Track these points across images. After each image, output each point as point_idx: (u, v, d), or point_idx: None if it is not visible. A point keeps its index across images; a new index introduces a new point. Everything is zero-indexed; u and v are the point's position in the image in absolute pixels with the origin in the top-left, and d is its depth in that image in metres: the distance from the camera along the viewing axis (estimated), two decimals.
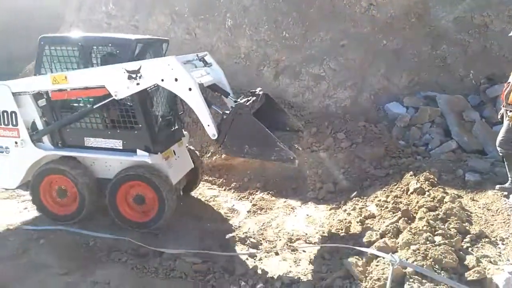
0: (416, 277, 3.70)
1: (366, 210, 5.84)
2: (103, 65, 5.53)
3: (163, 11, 11.16)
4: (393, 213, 5.28)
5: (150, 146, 5.56)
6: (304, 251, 5.38)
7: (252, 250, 5.39)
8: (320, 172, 7.26)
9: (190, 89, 4.85)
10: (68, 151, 5.76)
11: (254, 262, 5.14)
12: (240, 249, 5.44)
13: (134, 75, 5.06)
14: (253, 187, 7.36)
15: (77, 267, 4.77)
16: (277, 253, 5.35)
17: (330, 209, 6.43)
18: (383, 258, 4.26)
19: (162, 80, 4.97)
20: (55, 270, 4.70)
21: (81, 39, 5.61)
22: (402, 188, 5.96)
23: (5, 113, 5.69)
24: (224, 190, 7.47)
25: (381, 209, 5.61)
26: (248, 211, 6.60)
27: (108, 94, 5.26)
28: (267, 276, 4.73)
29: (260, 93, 5.82)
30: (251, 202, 6.94)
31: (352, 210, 6.02)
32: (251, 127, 4.84)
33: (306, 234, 5.79)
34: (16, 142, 5.74)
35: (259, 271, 4.82)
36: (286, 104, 8.85)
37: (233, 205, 6.86)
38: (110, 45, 5.63)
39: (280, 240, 5.69)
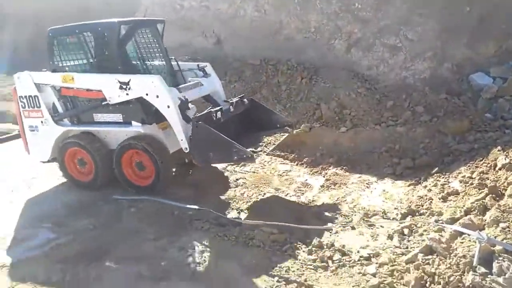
0: (506, 255, 3.50)
1: (449, 186, 5.56)
2: (96, 49, 6.27)
3: None
4: (479, 189, 4.98)
5: (144, 118, 6.08)
6: (382, 226, 5.28)
7: (327, 224, 5.41)
8: (397, 147, 7.01)
9: (168, 106, 5.60)
10: (82, 127, 6.52)
11: (330, 236, 5.16)
12: (315, 223, 5.48)
13: (124, 86, 5.82)
14: (325, 162, 7.31)
15: (165, 233, 5.14)
16: (353, 228, 5.32)
17: (409, 185, 6.19)
18: (469, 235, 4.08)
19: (147, 94, 5.72)
20: (146, 235, 5.12)
21: (76, 27, 6.29)
22: (489, 163, 5.56)
23: (30, 97, 6.64)
24: (297, 165, 7.51)
25: (465, 186, 5.30)
26: (322, 186, 6.59)
27: (104, 98, 6.03)
28: (345, 249, 4.73)
29: (245, 100, 6.69)
30: (324, 177, 6.92)
31: (433, 186, 5.76)
32: (209, 136, 5.43)
33: (383, 210, 5.66)
34: (41, 121, 6.66)
35: (336, 244, 4.83)
36: (360, 78, 8.58)
37: (306, 179, 6.89)
38: (99, 29, 6.17)
39: (355, 215, 5.64)
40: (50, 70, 6.51)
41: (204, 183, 6.74)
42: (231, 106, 6.42)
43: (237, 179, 6.85)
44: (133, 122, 6.11)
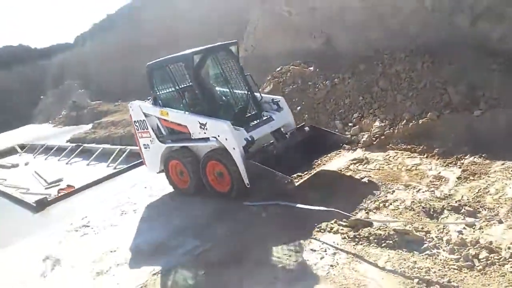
0: None
1: None
2: (178, 79, 7.32)
3: None
4: None
5: None
6: None
7: (469, 219, 4.96)
8: None
9: (234, 148, 6.51)
10: (175, 143, 7.67)
11: (474, 232, 4.72)
12: (454, 218, 5.07)
13: (203, 127, 6.88)
14: (460, 151, 6.68)
15: (296, 236, 5.33)
16: (500, 221, 4.77)
17: None
18: None
19: (218, 136, 6.70)
20: (278, 239, 5.37)
21: (163, 61, 7.42)
22: None
23: (141, 122, 8.06)
24: (426, 157, 7.00)
25: None
26: (458, 178, 6.04)
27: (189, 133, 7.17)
28: (492, 245, 4.28)
29: (306, 128, 7.50)
30: (460, 167, 6.33)
31: None
32: (257, 169, 6.34)
33: None
34: (151, 140, 7.97)
35: (482, 241, 4.40)
36: (491, 53, 7.63)
37: (439, 172, 6.39)
38: (178, 61, 7.24)
39: (502, 207, 5.04)
40: (152, 98, 7.87)
41: (331, 185, 6.73)
42: (287, 135, 7.27)
43: (361, 178, 6.70)
44: (210, 138, 6.91)
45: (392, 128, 7.84)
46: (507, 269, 3.96)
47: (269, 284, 4.56)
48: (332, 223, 5.47)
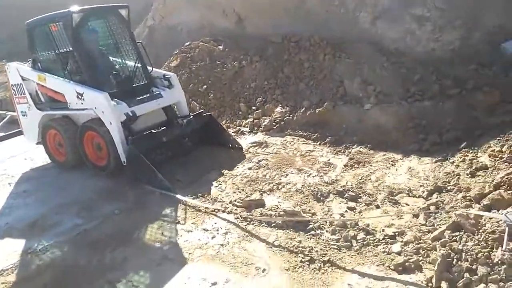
0: None
1: (478, 161, 5.38)
2: (58, 39, 6.62)
3: None
4: (509, 163, 4.83)
5: None
6: (407, 204, 5.18)
7: (350, 203, 5.36)
8: (424, 122, 6.77)
9: (110, 123, 6.15)
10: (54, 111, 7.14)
11: (354, 215, 5.11)
12: (338, 202, 5.44)
13: (80, 97, 6.46)
14: (349, 141, 7.16)
15: (189, 216, 5.25)
16: (378, 206, 5.24)
17: (436, 162, 6.01)
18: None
19: (95, 108, 6.30)
20: (170, 219, 5.24)
21: (43, 19, 6.72)
22: None
23: (18, 86, 7.38)
24: (319, 144, 7.39)
25: (495, 160, 5.12)
26: (345, 165, 6.49)
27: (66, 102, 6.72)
28: (369, 228, 4.68)
29: (204, 114, 7.44)
30: (347, 156, 6.81)
31: (461, 162, 5.58)
32: (138, 160, 6.04)
33: (409, 187, 5.53)
34: (28, 107, 7.36)
35: (360, 223, 4.78)
36: (385, 52, 8.28)
37: (329, 159, 6.80)
38: (56, 19, 6.58)
39: (380, 193, 5.53)
40: (31, 60, 7.16)
41: (227, 165, 6.79)
42: (183, 123, 6.87)
43: (259, 161, 6.84)
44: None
45: (291, 115, 8.11)
46: (380, 249, 4.34)
47: (156, 264, 4.42)
48: (226, 204, 5.50)
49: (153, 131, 6.53)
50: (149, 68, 7.22)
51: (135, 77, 7.05)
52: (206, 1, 11.52)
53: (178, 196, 5.74)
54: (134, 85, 6.99)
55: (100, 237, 5.02)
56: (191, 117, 7.13)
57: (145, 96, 6.84)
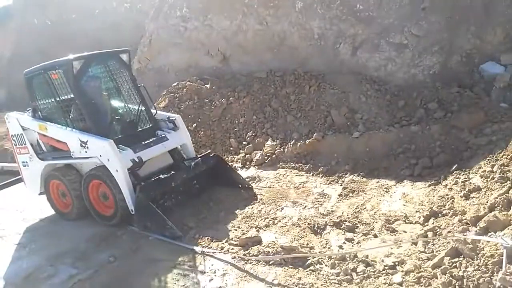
0: None
1: (470, 183, 5.40)
2: (59, 87, 6.43)
3: (233, 6, 11.31)
4: (501, 183, 4.82)
5: None
6: (404, 231, 5.15)
7: (348, 234, 5.30)
8: (413, 147, 6.86)
9: (117, 171, 5.90)
10: (56, 161, 6.84)
11: (352, 246, 5.05)
12: (335, 233, 5.39)
13: (84, 145, 6.17)
14: (341, 170, 7.20)
15: (185, 260, 5.13)
16: (375, 236, 5.20)
17: (429, 186, 6.04)
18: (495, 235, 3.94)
19: (100, 155, 6.05)
20: (166, 263, 5.11)
21: (41, 67, 6.55)
22: (509, 155, 5.38)
23: (18, 136, 7.10)
24: (312, 175, 7.41)
25: (487, 181, 5.14)
26: (340, 195, 6.48)
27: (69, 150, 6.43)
28: (368, 259, 4.62)
29: (212, 155, 7.15)
30: (341, 185, 6.81)
31: (454, 184, 5.61)
32: (148, 209, 5.77)
33: (405, 214, 5.52)
34: (30, 157, 7.05)
35: (359, 255, 4.71)
36: (368, 80, 8.48)
37: (323, 190, 6.79)
38: (57, 67, 6.37)
39: (376, 222, 5.50)
40: (31, 110, 6.96)
41: (224, 202, 6.70)
42: (191, 165, 6.58)
43: (254, 195, 6.80)
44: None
45: (282, 147, 8.16)
46: (381, 281, 4.27)
47: None
48: (223, 243, 5.41)
49: (161, 176, 6.24)
50: (153, 111, 7.06)
51: (140, 121, 6.86)
52: (190, 43, 11.78)
53: (187, 245, 5.48)
54: (139, 129, 6.81)
55: (96, 287, 4.87)
56: (199, 159, 6.83)
57: (150, 140, 6.59)
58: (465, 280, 3.73)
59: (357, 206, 5.99)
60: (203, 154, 7.30)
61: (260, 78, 9.90)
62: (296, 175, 7.47)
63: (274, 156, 8.13)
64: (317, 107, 8.53)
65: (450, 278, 3.83)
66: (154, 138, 6.67)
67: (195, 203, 6.65)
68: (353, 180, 6.82)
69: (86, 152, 6.21)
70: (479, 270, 3.73)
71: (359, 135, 7.51)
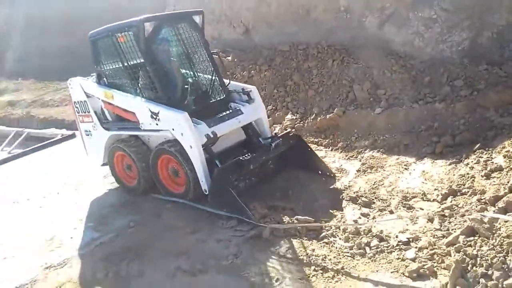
0: None
1: (492, 162, 5.29)
2: (127, 51, 5.91)
3: None
4: None
5: None
6: (421, 208, 5.13)
7: (364, 209, 5.33)
8: (436, 125, 6.71)
9: (191, 147, 5.44)
10: (122, 131, 6.49)
11: (367, 221, 5.08)
12: (351, 208, 5.41)
13: (154, 117, 5.69)
14: (361, 146, 7.15)
15: (203, 227, 5.29)
16: (391, 212, 5.20)
17: (450, 164, 5.94)
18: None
19: (173, 129, 5.59)
20: (184, 229, 5.29)
21: (108, 29, 6.03)
22: None
23: (82, 103, 6.75)
24: (331, 150, 7.40)
25: (510, 161, 5.03)
26: (358, 170, 6.47)
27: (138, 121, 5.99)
28: (383, 234, 4.64)
29: (292, 135, 6.47)
30: (360, 161, 6.78)
31: (475, 163, 5.50)
32: (226, 193, 5.29)
33: (423, 191, 5.48)
34: (93, 126, 6.74)
35: (374, 230, 4.74)
36: (394, 55, 8.25)
37: (341, 164, 6.78)
38: (126, 29, 5.84)
39: (393, 199, 5.50)
40: (96, 75, 6.59)
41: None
42: (271, 146, 5.93)
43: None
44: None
45: (302, 122, 8.13)
46: (394, 256, 4.31)
47: (171, 275, 4.46)
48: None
49: (240, 158, 5.62)
50: (226, 81, 6.42)
51: (213, 92, 6.27)
52: (213, 14, 11.66)
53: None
54: (212, 100, 6.25)
55: (116, 250, 5.09)
56: (280, 139, 6.13)
57: (224, 113, 6.04)
58: (478, 259, 3.72)
59: (375, 182, 5.98)
60: (283, 133, 6.71)
61: (283, 51, 9.76)
62: (315, 150, 7.41)
63: (293, 130, 8.12)
64: (339, 81, 8.39)
65: (464, 256, 3.82)
66: (228, 111, 6.12)
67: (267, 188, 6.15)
68: (373, 156, 6.78)
69: (157, 124, 5.74)
70: (494, 249, 3.70)
71: (381, 111, 7.38)
